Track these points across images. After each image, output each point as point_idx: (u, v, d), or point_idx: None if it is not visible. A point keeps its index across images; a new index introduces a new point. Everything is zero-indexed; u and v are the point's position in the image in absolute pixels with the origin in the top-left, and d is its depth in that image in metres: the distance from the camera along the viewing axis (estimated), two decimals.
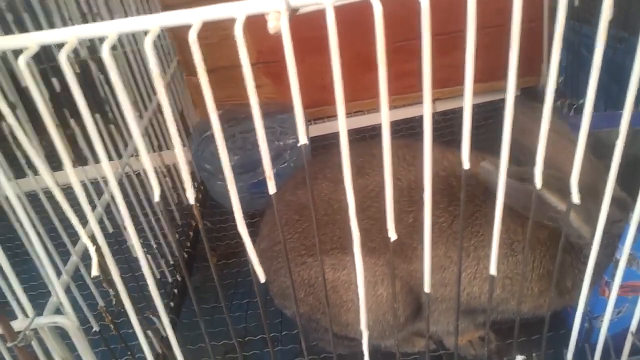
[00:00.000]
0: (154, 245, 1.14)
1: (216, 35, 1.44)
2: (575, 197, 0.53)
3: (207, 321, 1.16)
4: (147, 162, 0.54)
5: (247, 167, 1.39)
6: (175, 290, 1.15)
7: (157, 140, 1.26)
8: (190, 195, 0.53)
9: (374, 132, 1.70)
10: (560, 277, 0.85)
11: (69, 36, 0.48)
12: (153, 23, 0.47)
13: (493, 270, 0.60)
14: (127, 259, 0.88)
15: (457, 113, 1.71)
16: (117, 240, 0.91)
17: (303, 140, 0.51)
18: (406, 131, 1.65)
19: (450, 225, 0.85)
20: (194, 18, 0.46)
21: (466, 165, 0.51)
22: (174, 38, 1.49)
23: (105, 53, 0.46)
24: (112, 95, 1.08)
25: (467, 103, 0.48)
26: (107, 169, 0.55)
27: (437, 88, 1.67)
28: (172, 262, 1.20)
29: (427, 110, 0.48)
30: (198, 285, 1.27)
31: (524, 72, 1.63)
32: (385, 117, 0.48)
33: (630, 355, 0.77)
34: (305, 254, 0.91)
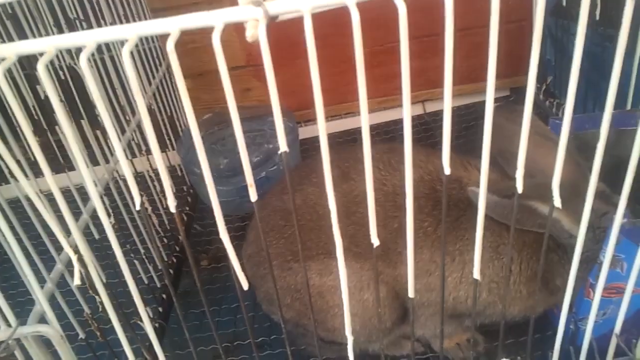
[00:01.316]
0: (142, 251, 1.14)
1: (205, 39, 1.43)
2: (557, 201, 0.53)
3: (196, 326, 1.16)
4: (128, 172, 0.54)
5: (237, 170, 1.39)
6: (164, 296, 1.14)
7: (145, 144, 1.25)
8: (171, 204, 0.53)
9: (355, 135, 1.70)
10: (550, 276, 0.86)
11: (47, 46, 0.48)
12: (131, 32, 0.47)
13: (476, 274, 0.60)
14: (114, 264, 0.88)
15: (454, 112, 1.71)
16: (103, 246, 0.91)
17: (284, 148, 0.51)
18: (396, 133, 1.65)
19: (435, 230, 0.85)
20: (172, 27, 0.46)
21: (447, 170, 0.51)
22: (162, 41, 1.49)
23: (83, 63, 0.46)
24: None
25: (447, 107, 0.48)
26: (87, 178, 0.54)
27: (427, 89, 1.67)
28: (160, 267, 1.19)
29: (406, 116, 0.48)
30: (188, 290, 1.27)
31: (513, 71, 1.63)
32: (365, 122, 0.48)
33: (615, 357, 0.78)
34: (292, 260, 0.91)
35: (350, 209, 0.86)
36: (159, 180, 1.31)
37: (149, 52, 1.40)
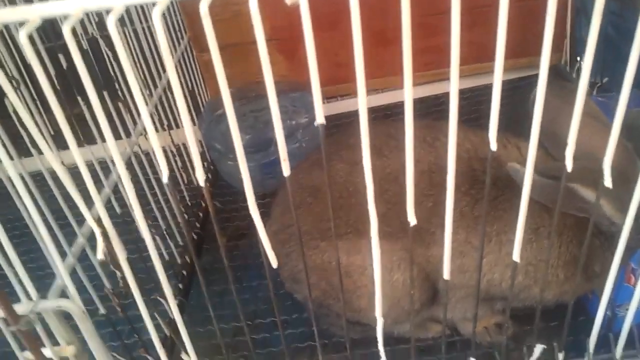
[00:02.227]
0: (163, 227, 1.12)
1: (227, 11, 1.40)
2: (608, 181, 0.50)
3: (216, 303, 1.15)
4: (156, 144, 0.51)
5: (258, 146, 1.36)
6: (184, 272, 1.13)
7: (167, 119, 1.23)
8: (200, 177, 0.51)
9: (388, 111, 1.66)
10: (589, 262, 0.82)
11: (73, 8, 0.45)
12: None
13: (516, 256, 0.57)
14: (135, 240, 0.86)
15: (482, 91, 1.66)
16: (125, 221, 0.89)
17: (321, 119, 0.48)
18: (429, 109, 1.61)
19: (472, 210, 0.82)
20: None
21: (494, 146, 0.48)
22: (185, 14, 1.46)
23: (111, 25, 0.44)
24: (120, 73, 1.05)
25: (497, 83, 0.45)
26: (114, 150, 0.52)
27: (462, 65, 1.62)
28: (181, 244, 1.18)
29: (453, 92, 0.45)
30: (207, 267, 1.25)
31: (552, 48, 1.58)
32: (408, 96, 0.45)
33: None
34: (319, 238, 0.88)
35: (382, 186, 0.83)
36: (180, 156, 1.29)
37: (171, 26, 1.37)
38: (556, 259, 0.83)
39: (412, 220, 0.53)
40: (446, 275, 0.58)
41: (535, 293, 0.84)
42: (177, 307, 0.65)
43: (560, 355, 0.73)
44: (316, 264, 0.88)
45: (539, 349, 0.72)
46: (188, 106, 1.41)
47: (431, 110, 1.58)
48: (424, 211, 0.81)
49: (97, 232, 0.58)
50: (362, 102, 0.45)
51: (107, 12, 0.45)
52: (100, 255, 0.59)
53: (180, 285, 1.12)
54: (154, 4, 0.43)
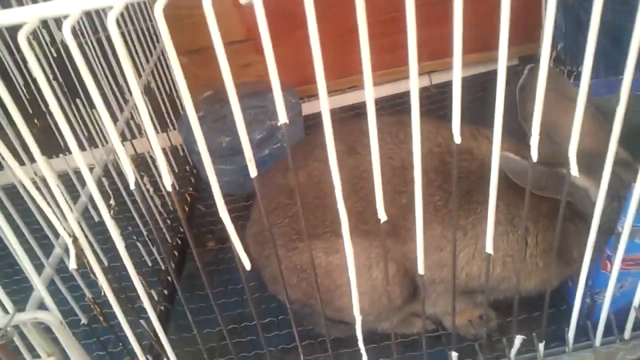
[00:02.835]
0: (145, 233, 1.12)
1: (201, 14, 1.39)
2: (574, 170, 0.51)
3: (202, 308, 1.14)
4: (122, 152, 0.51)
5: (239, 148, 1.35)
6: (169, 278, 1.13)
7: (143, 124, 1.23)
8: (167, 182, 0.51)
9: (359, 110, 1.66)
10: (566, 247, 0.82)
11: (29, 17, 0.45)
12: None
13: (489, 248, 0.57)
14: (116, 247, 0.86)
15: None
16: (105, 229, 0.89)
17: (284, 119, 0.48)
18: (400, 106, 1.61)
19: (445, 204, 0.82)
20: None
21: (458, 139, 0.48)
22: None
23: (67, 33, 0.43)
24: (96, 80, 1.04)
25: (457, 75, 0.45)
26: (78, 159, 0.52)
27: (432, 60, 1.63)
28: (163, 250, 1.18)
29: (414, 86, 0.45)
30: (194, 271, 1.24)
31: (522, 39, 1.59)
32: (369, 93, 0.45)
33: (634, 330, 0.75)
34: (297, 239, 0.88)
35: (357, 184, 0.83)
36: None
37: (147, 30, 1.36)
38: (534, 247, 0.83)
39: (382, 216, 0.53)
40: (421, 270, 0.58)
41: (515, 283, 0.84)
42: (155, 315, 0.65)
43: (541, 346, 0.73)
44: (295, 265, 0.87)
45: (518, 340, 0.72)
46: (165, 111, 1.41)
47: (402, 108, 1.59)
48: (399, 208, 0.81)
49: (69, 241, 0.57)
50: (324, 102, 0.45)
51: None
52: (73, 264, 0.58)
53: (165, 292, 1.11)
54: (110, 8, 0.43)
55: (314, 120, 1.57)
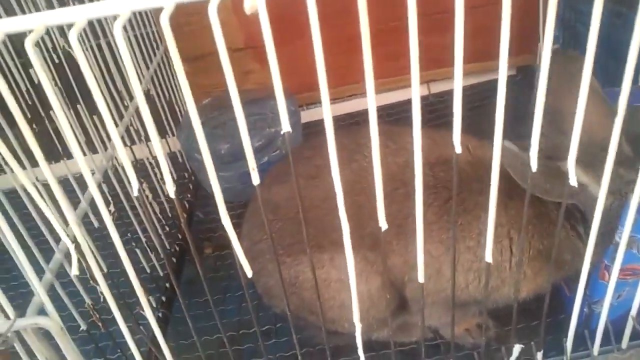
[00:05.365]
0: (144, 240, 1.12)
1: (200, 21, 1.40)
2: (573, 180, 0.51)
3: (201, 315, 1.14)
4: (124, 157, 0.52)
5: (238, 155, 1.36)
6: (167, 284, 1.13)
7: (144, 131, 1.23)
8: (170, 189, 0.51)
9: (366, 116, 1.66)
10: (558, 252, 0.81)
11: (35, 24, 0.45)
12: (124, 7, 0.44)
13: (488, 257, 0.58)
14: (116, 253, 0.86)
15: (452, 95, 1.67)
16: (104, 235, 0.89)
17: (287, 127, 0.49)
18: (396, 116, 1.62)
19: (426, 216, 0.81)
20: (166, 1, 0.44)
21: (458, 149, 0.49)
22: (159, 24, 1.46)
23: (73, 40, 0.44)
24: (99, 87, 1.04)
25: (458, 85, 0.45)
26: (82, 165, 0.52)
27: (431, 69, 1.63)
28: (163, 256, 1.18)
29: (415, 94, 0.45)
30: (192, 278, 1.24)
31: (520, 50, 1.60)
32: (371, 103, 0.45)
33: (631, 340, 0.76)
34: (283, 254, 0.88)
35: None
36: (160, 167, 1.28)
37: (146, 36, 1.37)
38: (520, 256, 0.82)
39: (383, 225, 0.53)
40: (421, 278, 0.58)
41: (506, 293, 0.83)
42: (155, 322, 0.65)
43: (539, 355, 0.73)
44: (284, 279, 0.87)
45: (517, 349, 0.72)
46: (164, 118, 1.41)
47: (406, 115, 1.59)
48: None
49: (71, 247, 0.58)
50: (327, 114, 0.46)
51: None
52: (75, 270, 0.59)
53: (164, 298, 1.11)
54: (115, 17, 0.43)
55: (314, 128, 1.58)
